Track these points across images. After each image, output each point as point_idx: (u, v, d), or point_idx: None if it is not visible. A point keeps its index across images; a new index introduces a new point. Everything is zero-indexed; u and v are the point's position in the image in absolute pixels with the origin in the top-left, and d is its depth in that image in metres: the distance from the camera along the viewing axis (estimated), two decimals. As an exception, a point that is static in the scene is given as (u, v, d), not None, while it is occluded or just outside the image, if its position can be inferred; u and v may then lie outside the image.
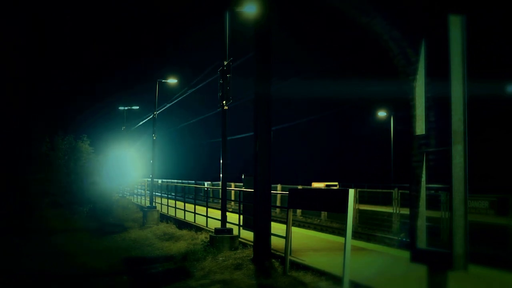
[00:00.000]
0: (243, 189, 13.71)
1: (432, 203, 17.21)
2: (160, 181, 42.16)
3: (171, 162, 66.70)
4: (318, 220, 24.02)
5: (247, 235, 12.28)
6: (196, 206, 18.11)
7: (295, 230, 13.64)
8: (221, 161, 13.16)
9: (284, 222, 9.94)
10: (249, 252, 10.83)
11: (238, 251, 11.45)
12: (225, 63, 12.85)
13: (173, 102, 24.41)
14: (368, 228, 20.74)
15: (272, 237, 10.00)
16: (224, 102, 12.77)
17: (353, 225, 9.52)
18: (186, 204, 19.59)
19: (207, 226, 15.81)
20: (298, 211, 25.14)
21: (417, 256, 4.82)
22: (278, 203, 25.50)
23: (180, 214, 19.93)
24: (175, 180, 43.76)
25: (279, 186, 27.36)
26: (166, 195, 26.55)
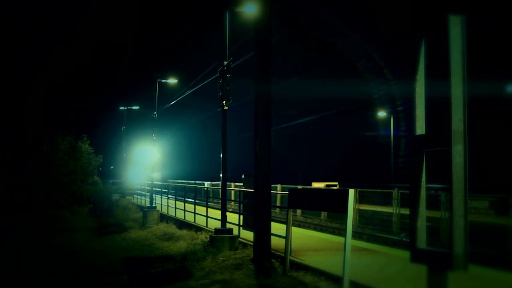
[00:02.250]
0: (243, 189, 13.71)
1: (432, 203, 17.22)
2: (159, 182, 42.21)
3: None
4: (318, 220, 24.02)
5: (247, 235, 12.28)
6: (196, 206, 18.10)
7: (295, 230, 13.64)
8: (221, 155, 13.13)
9: (284, 222, 9.93)
10: (249, 252, 10.83)
11: (238, 251, 11.45)
12: (225, 63, 12.85)
13: (176, 100, 24.41)
14: (368, 228, 20.74)
15: (272, 237, 10.00)
16: (224, 102, 12.77)
17: (353, 225, 9.52)
18: (186, 204, 19.60)
19: (207, 226, 15.81)
20: (298, 211, 25.13)
21: (417, 256, 4.82)
22: (278, 203, 25.49)
23: (180, 214, 19.93)
24: (178, 180, 43.68)
25: (279, 186, 27.35)
26: (166, 195, 26.55)
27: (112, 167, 49.00)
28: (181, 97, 23.41)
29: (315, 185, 29.24)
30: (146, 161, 27.21)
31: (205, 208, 16.92)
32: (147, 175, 36.64)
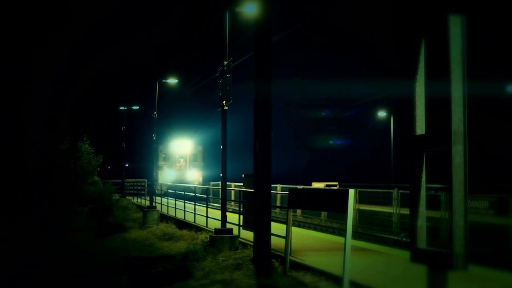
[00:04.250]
0: (243, 189, 13.71)
1: (432, 203, 17.21)
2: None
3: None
4: (318, 220, 24.01)
5: (247, 235, 12.28)
6: (196, 206, 18.11)
7: (295, 230, 13.64)
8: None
9: (284, 222, 9.93)
10: (249, 252, 10.83)
11: (238, 251, 11.46)
12: (225, 63, 12.84)
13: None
14: (368, 228, 20.74)
15: (272, 237, 9.99)
16: (224, 102, 12.76)
17: (353, 225, 9.53)
18: (186, 204, 19.60)
19: (207, 226, 15.81)
20: (298, 211, 25.13)
21: (417, 256, 4.81)
22: (278, 203, 25.48)
23: (180, 214, 19.93)
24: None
25: (279, 186, 27.34)
26: (166, 196, 26.57)
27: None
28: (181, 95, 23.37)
29: (315, 185, 29.20)
30: (178, 158, 26.22)
31: (205, 208, 16.92)
32: (178, 175, 34.94)
